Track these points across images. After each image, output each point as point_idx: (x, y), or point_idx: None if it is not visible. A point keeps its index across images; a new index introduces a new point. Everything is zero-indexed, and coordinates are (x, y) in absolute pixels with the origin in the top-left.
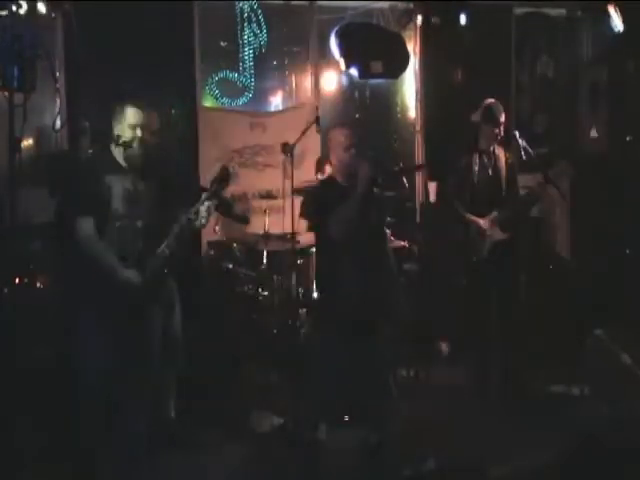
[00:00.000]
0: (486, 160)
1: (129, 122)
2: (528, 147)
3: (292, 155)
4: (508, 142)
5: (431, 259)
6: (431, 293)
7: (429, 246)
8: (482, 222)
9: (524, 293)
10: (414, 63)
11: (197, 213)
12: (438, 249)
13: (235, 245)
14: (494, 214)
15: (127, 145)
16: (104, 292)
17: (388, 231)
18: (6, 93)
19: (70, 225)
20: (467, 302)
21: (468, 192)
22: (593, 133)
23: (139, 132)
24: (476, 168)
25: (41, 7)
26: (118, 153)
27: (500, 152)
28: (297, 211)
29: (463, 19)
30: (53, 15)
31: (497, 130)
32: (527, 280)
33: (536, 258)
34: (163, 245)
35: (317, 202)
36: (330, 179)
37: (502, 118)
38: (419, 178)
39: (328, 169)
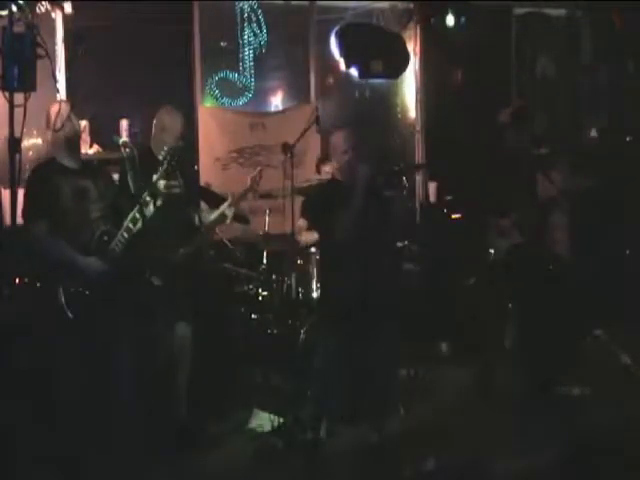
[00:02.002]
0: (510, 161)
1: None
2: (528, 147)
3: (292, 155)
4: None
5: (434, 259)
6: (433, 293)
7: (434, 246)
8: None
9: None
10: (414, 63)
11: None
12: (443, 249)
13: (235, 245)
14: (513, 216)
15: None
16: (71, 283)
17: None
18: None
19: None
20: (480, 303)
21: (489, 192)
22: (593, 133)
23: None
24: (500, 169)
25: (41, 7)
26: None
27: (522, 154)
28: (298, 211)
29: (463, 19)
30: (53, 15)
31: (527, 132)
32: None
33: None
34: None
35: (319, 203)
36: (332, 180)
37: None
38: (419, 178)
39: (327, 169)
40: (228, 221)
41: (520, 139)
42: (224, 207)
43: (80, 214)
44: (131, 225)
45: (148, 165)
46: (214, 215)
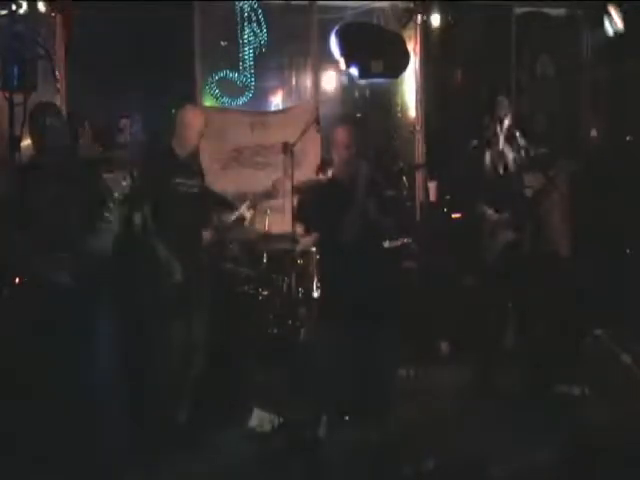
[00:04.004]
0: (495, 159)
1: None
2: (528, 147)
3: (292, 155)
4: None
5: (433, 258)
6: (432, 292)
7: (431, 245)
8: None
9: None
10: (414, 63)
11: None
12: (441, 248)
13: (235, 245)
14: (505, 214)
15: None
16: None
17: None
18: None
19: None
20: (476, 302)
21: (479, 190)
22: (593, 133)
23: None
24: (486, 167)
25: (41, 7)
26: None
27: (509, 151)
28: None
29: (463, 19)
30: (53, 14)
31: (502, 126)
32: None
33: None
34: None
35: (317, 202)
36: (331, 179)
37: (508, 114)
38: (419, 178)
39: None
40: (247, 222)
41: (498, 133)
42: (243, 208)
43: (50, 221)
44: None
45: (169, 163)
46: (233, 216)
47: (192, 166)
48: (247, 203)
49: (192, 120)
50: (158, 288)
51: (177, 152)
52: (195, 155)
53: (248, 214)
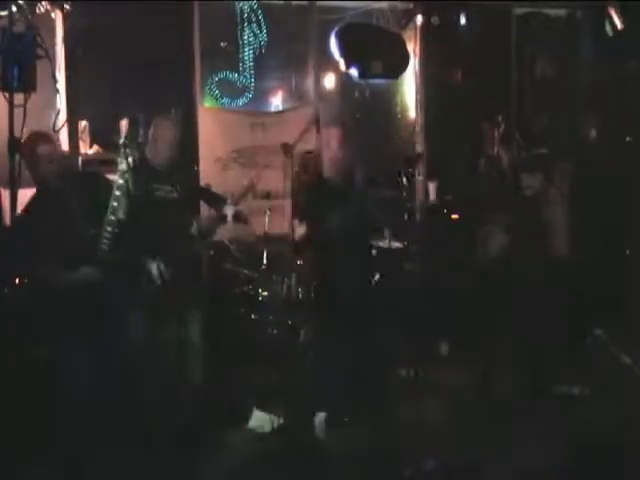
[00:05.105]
0: (491, 163)
1: None
2: (528, 147)
3: (292, 155)
4: (509, 143)
5: (432, 259)
6: (431, 293)
7: (430, 246)
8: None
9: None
10: (414, 63)
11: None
12: (439, 249)
13: (235, 245)
14: (503, 217)
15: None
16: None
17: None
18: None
19: None
20: (474, 303)
21: (475, 195)
22: (593, 133)
23: None
24: (482, 171)
25: (41, 7)
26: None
27: (504, 154)
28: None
29: (463, 19)
30: (53, 15)
31: (497, 131)
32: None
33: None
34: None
35: (313, 202)
36: (326, 179)
37: (500, 119)
38: (418, 178)
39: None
40: (229, 219)
41: (492, 138)
42: (226, 207)
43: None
44: (112, 217)
45: (142, 171)
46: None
47: (168, 172)
48: (228, 201)
49: (163, 133)
50: (141, 291)
51: (150, 160)
52: (172, 164)
53: (229, 212)
